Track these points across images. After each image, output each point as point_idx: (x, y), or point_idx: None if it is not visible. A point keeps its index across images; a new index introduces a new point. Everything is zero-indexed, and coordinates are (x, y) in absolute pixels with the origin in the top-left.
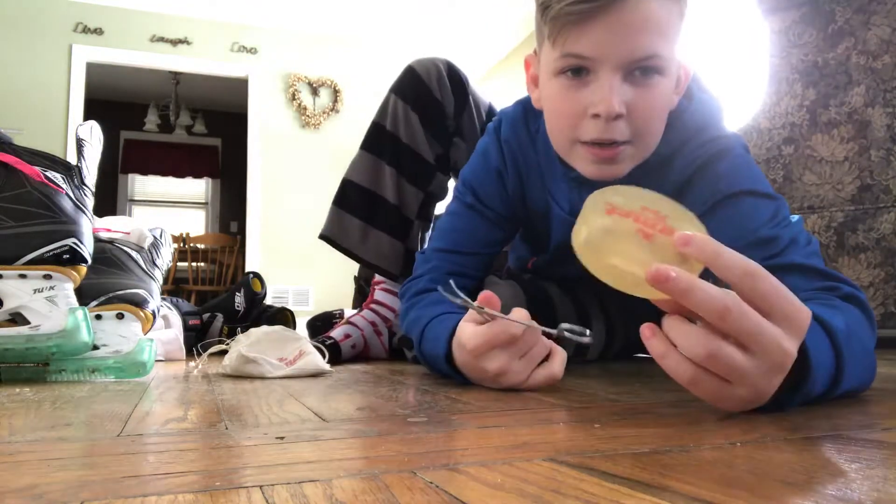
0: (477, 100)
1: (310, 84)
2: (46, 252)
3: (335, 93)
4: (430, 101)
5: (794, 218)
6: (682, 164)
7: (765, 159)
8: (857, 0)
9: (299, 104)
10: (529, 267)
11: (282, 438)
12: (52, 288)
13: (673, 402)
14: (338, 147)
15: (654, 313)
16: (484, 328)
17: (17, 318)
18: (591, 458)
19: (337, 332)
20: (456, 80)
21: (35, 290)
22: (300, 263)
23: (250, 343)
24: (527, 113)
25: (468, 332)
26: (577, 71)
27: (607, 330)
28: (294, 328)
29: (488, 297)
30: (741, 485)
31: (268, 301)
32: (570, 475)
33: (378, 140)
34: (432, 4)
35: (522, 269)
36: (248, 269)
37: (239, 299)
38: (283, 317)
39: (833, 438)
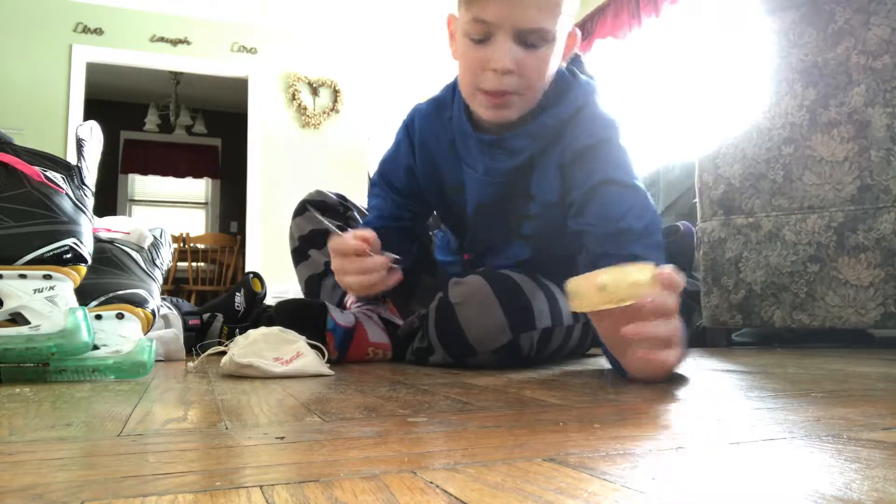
0: (357, 205)
1: (310, 84)
2: (46, 252)
3: (335, 93)
4: (323, 205)
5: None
6: (570, 141)
7: (765, 159)
8: (857, 0)
9: (299, 104)
10: (466, 258)
11: (282, 438)
12: (52, 288)
13: (673, 402)
14: (338, 147)
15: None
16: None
17: (17, 318)
18: (591, 458)
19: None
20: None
21: (35, 290)
22: None
23: (247, 344)
24: (439, 106)
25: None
26: (482, 36)
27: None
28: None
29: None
30: (741, 485)
31: (268, 301)
32: (570, 475)
33: (301, 248)
34: (432, 5)
35: (461, 267)
36: (248, 269)
37: (239, 299)
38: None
39: (833, 438)
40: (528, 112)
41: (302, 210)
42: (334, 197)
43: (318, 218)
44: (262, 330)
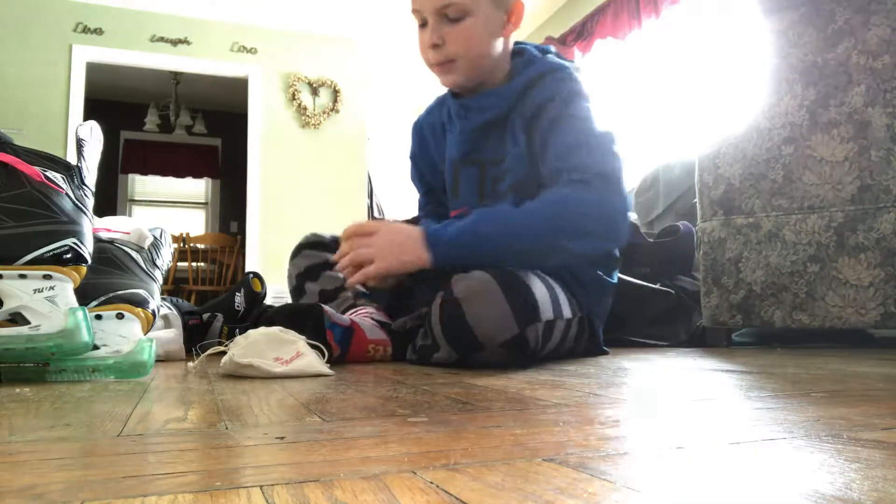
0: None
1: (310, 84)
2: (46, 252)
3: (335, 93)
4: (318, 244)
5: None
6: (531, 100)
7: (765, 159)
8: (857, 0)
9: (299, 104)
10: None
11: (282, 438)
12: (52, 288)
13: (673, 403)
14: (338, 147)
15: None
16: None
17: (17, 318)
18: (591, 458)
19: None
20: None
21: (35, 290)
22: None
23: (247, 344)
24: (440, 101)
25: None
26: (421, 21)
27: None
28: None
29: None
30: (741, 485)
31: (268, 301)
32: (570, 475)
33: (298, 286)
34: None
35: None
36: (248, 269)
37: (239, 299)
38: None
39: (833, 438)
40: (494, 79)
41: (297, 253)
42: (329, 236)
43: (314, 253)
44: (262, 330)
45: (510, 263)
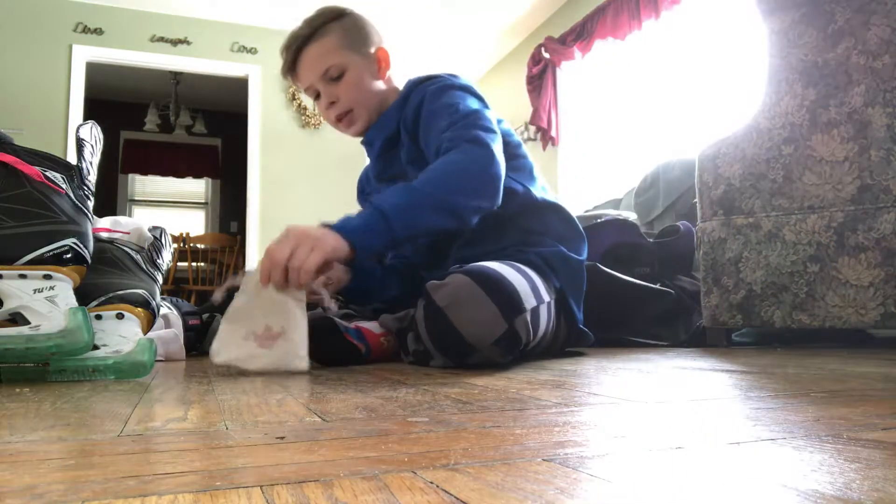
0: None
1: None
2: (46, 252)
3: None
4: None
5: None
6: (412, 100)
7: (765, 159)
8: (857, 0)
9: (299, 104)
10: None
11: (282, 438)
12: (52, 288)
13: (672, 403)
14: (338, 147)
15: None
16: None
17: (17, 318)
18: (591, 458)
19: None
20: None
21: (35, 290)
22: None
23: (241, 308)
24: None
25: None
26: (314, 95)
27: None
28: None
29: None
30: (741, 485)
31: None
32: (569, 475)
33: None
34: (429, 8)
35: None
36: (247, 269)
37: None
38: None
39: (833, 438)
40: (380, 113)
41: None
42: None
43: None
44: (261, 289)
45: (426, 232)
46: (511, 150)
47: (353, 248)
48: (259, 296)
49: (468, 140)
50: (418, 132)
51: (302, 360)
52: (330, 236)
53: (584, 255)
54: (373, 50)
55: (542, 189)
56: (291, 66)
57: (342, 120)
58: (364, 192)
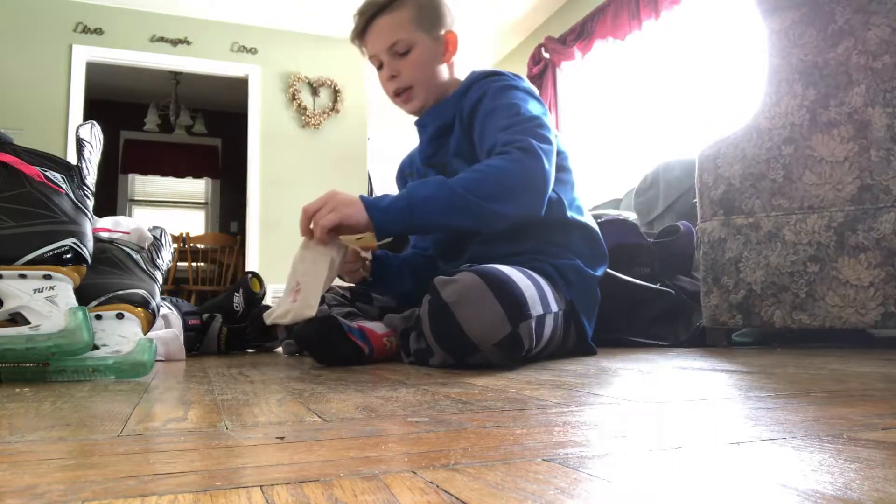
0: None
1: (310, 84)
2: (46, 252)
3: (335, 93)
4: None
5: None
6: (465, 105)
7: (765, 159)
8: (856, 0)
9: (299, 104)
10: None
11: (282, 438)
12: (52, 288)
13: (673, 403)
14: (338, 147)
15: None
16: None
17: (17, 318)
18: (591, 458)
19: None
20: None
21: (35, 290)
22: None
23: (289, 274)
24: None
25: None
26: (378, 65)
27: None
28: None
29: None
30: (741, 485)
31: (267, 301)
32: (569, 475)
33: None
34: None
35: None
36: (247, 269)
37: (238, 299)
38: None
39: (833, 438)
40: (439, 98)
41: None
42: None
43: None
44: (302, 250)
45: (446, 228)
46: (559, 161)
47: (375, 225)
48: (301, 259)
49: (521, 148)
50: (473, 126)
51: (310, 309)
52: (355, 206)
53: (601, 273)
54: (443, 32)
55: (576, 207)
56: (361, 33)
57: (400, 95)
58: (404, 173)
